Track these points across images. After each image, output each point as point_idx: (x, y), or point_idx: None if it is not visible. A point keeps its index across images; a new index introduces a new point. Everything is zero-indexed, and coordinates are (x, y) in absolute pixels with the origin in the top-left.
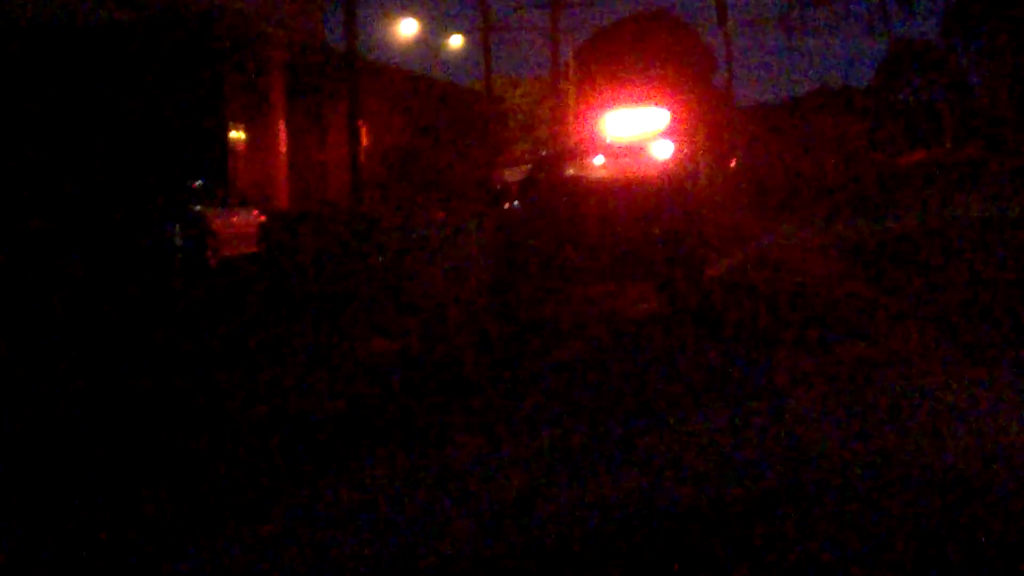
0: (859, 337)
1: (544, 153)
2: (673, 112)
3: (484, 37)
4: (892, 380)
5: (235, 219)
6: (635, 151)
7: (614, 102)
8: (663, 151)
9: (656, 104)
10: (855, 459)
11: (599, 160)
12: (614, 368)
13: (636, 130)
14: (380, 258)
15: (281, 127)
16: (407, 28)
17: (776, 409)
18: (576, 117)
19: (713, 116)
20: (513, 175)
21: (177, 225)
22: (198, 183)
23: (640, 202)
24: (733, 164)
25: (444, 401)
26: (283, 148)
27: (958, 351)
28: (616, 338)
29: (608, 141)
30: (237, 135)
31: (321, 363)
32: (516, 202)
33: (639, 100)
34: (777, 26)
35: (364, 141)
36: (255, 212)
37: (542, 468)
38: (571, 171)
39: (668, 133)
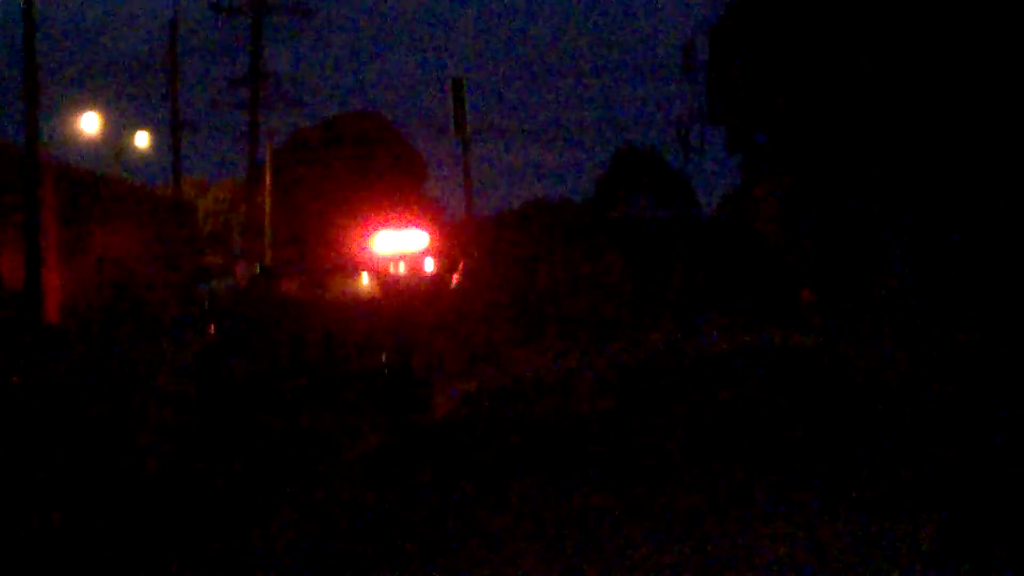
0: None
1: (259, 267)
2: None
3: (174, 136)
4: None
5: None
6: (367, 268)
7: (317, 213)
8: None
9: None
10: None
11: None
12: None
13: (380, 249)
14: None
15: None
16: (89, 124)
17: None
18: (275, 225)
19: (430, 228)
20: (217, 287)
21: None
22: None
23: (364, 325)
24: (455, 281)
25: None
26: None
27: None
28: (328, 485)
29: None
30: None
31: None
32: (226, 322)
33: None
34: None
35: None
36: None
37: None
38: (289, 289)
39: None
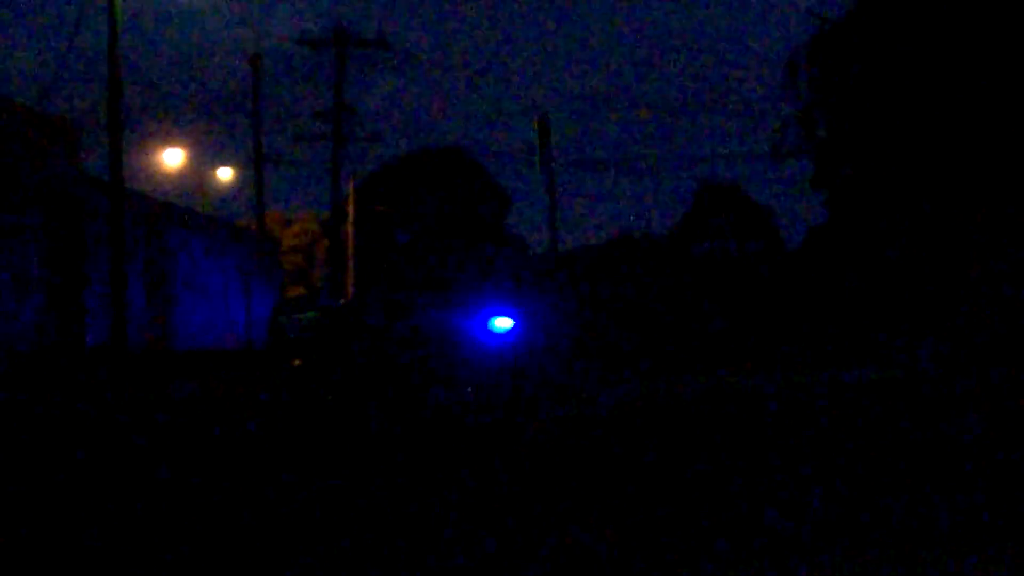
0: None
1: (343, 301)
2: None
3: (257, 170)
4: None
5: None
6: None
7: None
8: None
9: None
10: None
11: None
12: None
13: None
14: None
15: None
16: (173, 158)
17: None
18: (358, 259)
19: (509, 263)
20: (300, 320)
21: None
22: None
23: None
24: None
25: None
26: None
27: None
28: None
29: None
30: None
31: None
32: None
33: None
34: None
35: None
36: None
37: None
38: (374, 321)
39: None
